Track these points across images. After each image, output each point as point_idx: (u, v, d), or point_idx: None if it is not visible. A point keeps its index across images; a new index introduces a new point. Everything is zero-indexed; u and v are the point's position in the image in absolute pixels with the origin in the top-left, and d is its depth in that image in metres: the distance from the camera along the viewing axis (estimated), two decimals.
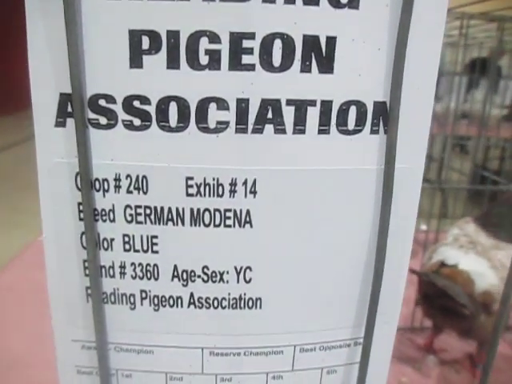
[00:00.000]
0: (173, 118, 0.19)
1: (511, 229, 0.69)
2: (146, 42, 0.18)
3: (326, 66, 0.19)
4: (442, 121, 0.98)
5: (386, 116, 0.20)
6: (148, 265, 0.21)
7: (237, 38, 0.18)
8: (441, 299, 0.62)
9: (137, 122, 0.19)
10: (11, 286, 0.88)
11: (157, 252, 0.21)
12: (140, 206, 0.20)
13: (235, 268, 0.21)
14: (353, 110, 0.20)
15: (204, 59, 0.18)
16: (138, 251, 0.21)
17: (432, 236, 0.87)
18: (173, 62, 0.18)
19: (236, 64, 0.18)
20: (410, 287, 0.66)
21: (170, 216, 0.20)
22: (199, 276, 0.21)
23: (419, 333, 0.78)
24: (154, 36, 0.18)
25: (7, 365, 0.65)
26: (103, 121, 0.19)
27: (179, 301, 0.22)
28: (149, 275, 0.21)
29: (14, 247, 1.03)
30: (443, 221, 0.94)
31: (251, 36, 0.18)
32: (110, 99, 0.19)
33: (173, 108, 0.19)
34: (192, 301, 0.22)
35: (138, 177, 0.20)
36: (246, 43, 0.18)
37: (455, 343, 0.73)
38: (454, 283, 0.62)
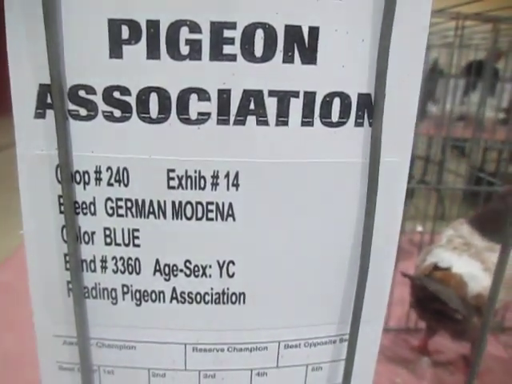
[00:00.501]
0: (153, 109, 0.19)
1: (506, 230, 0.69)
2: (125, 32, 0.18)
3: (309, 56, 0.19)
4: (439, 123, 0.98)
5: (370, 108, 0.20)
6: (129, 259, 0.21)
7: (218, 28, 0.18)
8: (433, 303, 0.62)
9: (117, 113, 0.19)
10: (7, 285, 0.88)
11: (138, 246, 0.21)
12: (121, 199, 0.20)
13: (218, 262, 0.21)
14: (337, 102, 0.19)
15: (185, 49, 0.18)
16: (119, 245, 0.21)
17: (427, 237, 0.87)
18: (153, 52, 0.18)
19: (217, 54, 0.18)
20: (404, 288, 0.65)
21: (151, 209, 0.20)
22: (181, 270, 0.21)
23: (414, 334, 0.77)
24: (133, 25, 0.18)
25: (2, 365, 0.65)
26: (83, 112, 0.19)
27: (161, 295, 0.21)
28: (130, 269, 0.21)
29: (9, 247, 1.02)
30: (439, 222, 0.94)
31: (232, 26, 0.18)
32: (90, 90, 0.19)
33: (153, 99, 0.19)
34: (174, 295, 0.21)
35: (118, 169, 0.20)
36: (227, 33, 0.18)
37: (449, 345, 0.72)
38: (446, 287, 0.62)
